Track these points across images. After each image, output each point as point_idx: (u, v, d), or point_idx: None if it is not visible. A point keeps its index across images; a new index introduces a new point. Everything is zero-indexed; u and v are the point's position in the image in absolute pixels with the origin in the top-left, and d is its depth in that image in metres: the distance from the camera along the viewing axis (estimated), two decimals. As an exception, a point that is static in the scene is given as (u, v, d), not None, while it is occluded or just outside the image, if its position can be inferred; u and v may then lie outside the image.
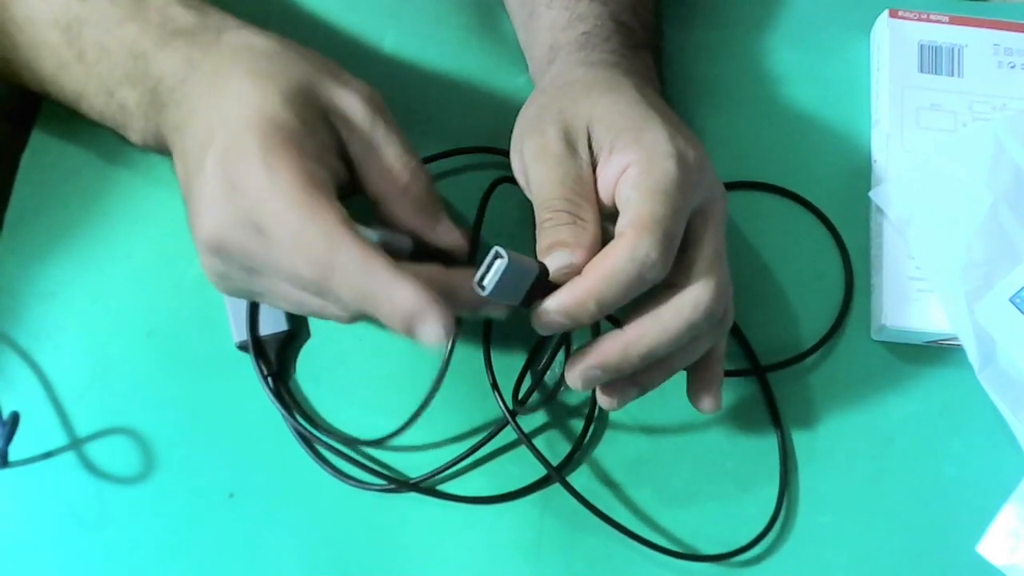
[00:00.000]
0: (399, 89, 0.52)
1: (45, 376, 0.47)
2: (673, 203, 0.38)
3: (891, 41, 0.55)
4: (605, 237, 0.40)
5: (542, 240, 0.39)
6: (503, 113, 0.47)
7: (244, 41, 0.41)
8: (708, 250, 0.40)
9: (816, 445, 0.49)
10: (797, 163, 0.54)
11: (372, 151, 0.40)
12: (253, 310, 0.48)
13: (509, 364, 0.47)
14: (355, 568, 0.46)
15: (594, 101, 0.42)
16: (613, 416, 0.49)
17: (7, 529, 0.45)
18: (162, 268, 0.49)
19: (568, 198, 0.40)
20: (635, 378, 0.42)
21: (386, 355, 0.49)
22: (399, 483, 0.46)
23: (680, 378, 0.44)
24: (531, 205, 0.41)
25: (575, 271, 0.39)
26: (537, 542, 0.47)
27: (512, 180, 0.45)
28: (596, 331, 0.45)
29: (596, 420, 0.48)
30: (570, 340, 0.47)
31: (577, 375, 0.40)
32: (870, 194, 0.53)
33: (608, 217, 0.40)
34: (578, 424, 0.48)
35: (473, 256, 0.44)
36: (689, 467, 0.48)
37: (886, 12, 0.55)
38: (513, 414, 0.45)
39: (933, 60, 0.54)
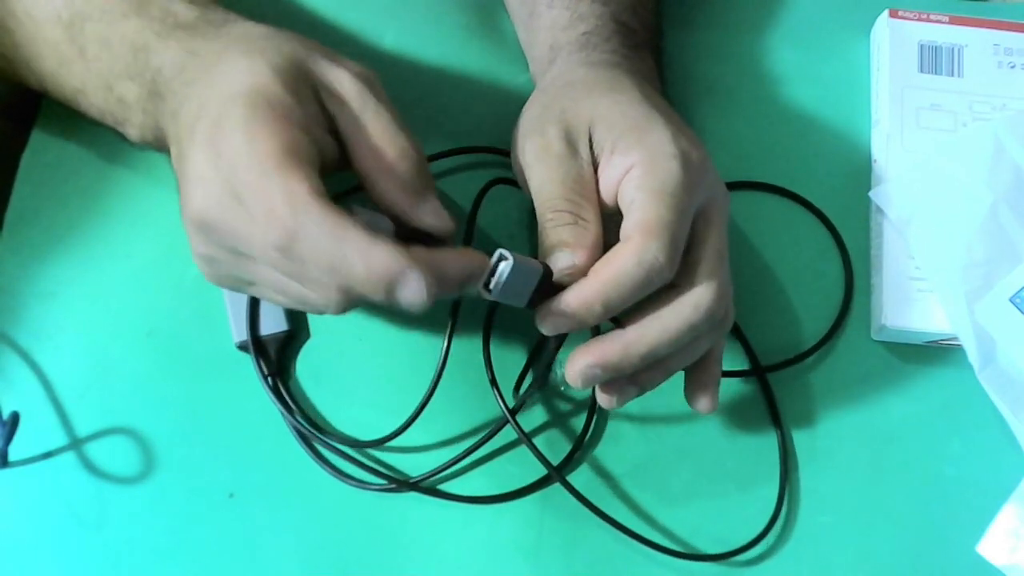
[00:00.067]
0: (399, 89, 0.51)
1: (45, 376, 0.47)
2: (678, 205, 0.38)
3: (891, 41, 0.55)
4: (606, 237, 0.40)
5: (544, 240, 0.40)
6: (503, 113, 0.47)
7: (243, 30, 0.41)
8: (710, 251, 0.40)
9: (816, 445, 0.49)
10: (797, 163, 0.54)
11: (360, 127, 0.39)
12: (253, 310, 0.48)
13: (509, 364, 0.47)
14: (355, 568, 0.46)
15: (596, 101, 0.42)
16: (613, 416, 0.49)
17: (7, 529, 0.45)
18: (162, 268, 0.49)
19: (569, 198, 0.40)
20: (635, 377, 0.42)
21: (386, 355, 0.49)
22: (399, 483, 0.46)
23: (680, 377, 0.44)
24: (531, 205, 0.41)
25: (579, 272, 0.39)
26: (537, 542, 0.47)
27: (507, 181, 0.45)
28: (596, 330, 0.45)
29: (596, 420, 0.48)
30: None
31: (577, 373, 0.40)
32: (870, 194, 0.53)
33: (609, 217, 0.40)
34: (578, 424, 0.48)
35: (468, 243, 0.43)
36: (689, 467, 0.48)
37: (886, 12, 0.55)
38: (513, 413, 0.45)
39: (933, 60, 0.54)
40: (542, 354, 0.46)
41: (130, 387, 0.47)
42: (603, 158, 0.41)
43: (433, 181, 0.41)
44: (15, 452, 0.44)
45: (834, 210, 0.53)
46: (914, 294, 0.50)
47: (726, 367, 0.47)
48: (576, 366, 0.40)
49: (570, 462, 0.48)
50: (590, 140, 0.41)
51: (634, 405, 0.43)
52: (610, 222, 0.40)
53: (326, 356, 0.49)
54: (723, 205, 0.42)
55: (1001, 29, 0.55)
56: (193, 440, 0.47)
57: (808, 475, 0.49)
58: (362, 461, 0.47)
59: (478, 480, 0.47)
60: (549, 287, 0.39)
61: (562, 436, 0.48)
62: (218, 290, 0.48)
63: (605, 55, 0.46)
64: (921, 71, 0.54)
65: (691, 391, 0.44)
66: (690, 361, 0.42)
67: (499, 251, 0.37)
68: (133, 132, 0.44)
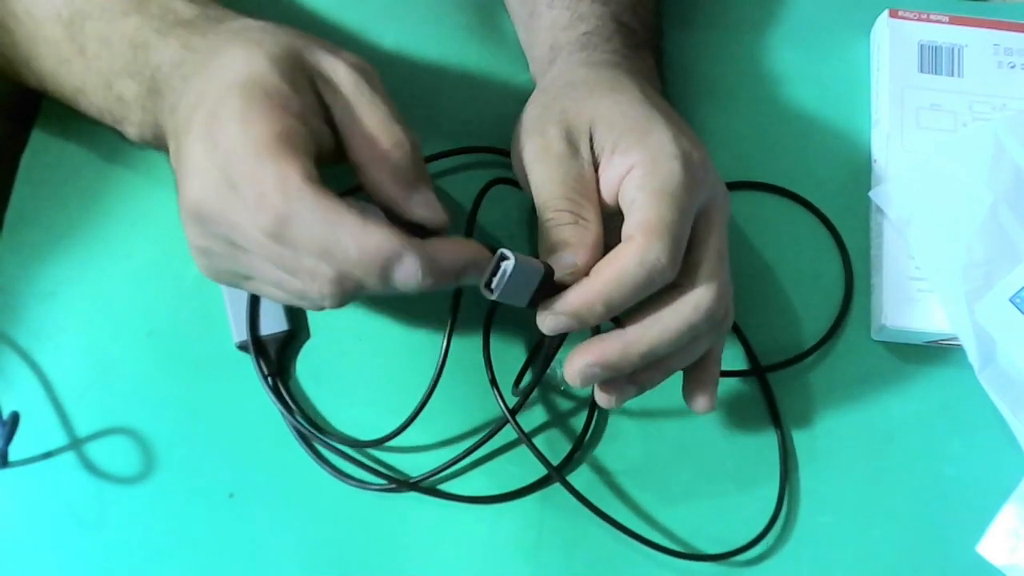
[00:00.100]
0: (399, 89, 0.52)
1: (45, 376, 0.47)
2: (680, 205, 0.39)
3: (891, 41, 0.55)
4: (606, 237, 0.40)
5: (544, 240, 0.40)
6: (503, 113, 0.47)
7: (241, 24, 0.41)
8: (711, 251, 0.40)
9: (816, 445, 0.49)
10: (797, 163, 0.54)
11: (355, 117, 0.39)
12: (253, 309, 0.48)
13: (509, 364, 0.47)
14: (355, 568, 0.46)
15: (596, 101, 0.42)
16: (613, 415, 0.49)
17: (7, 529, 0.45)
18: (162, 268, 0.49)
19: (570, 198, 0.40)
20: (634, 377, 0.42)
21: (386, 355, 0.49)
22: (399, 483, 0.46)
23: (680, 377, 0.44)
24: (531, 205, 0.41)
25: (580, 272, 0.39)
26: (537, 542, 0.47)
27: (507, 181, 0.45)
28: (596, 329, 0.45)
29: (596, 420, 0.48)
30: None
31: (576, 372, 0.40)
32: (870, 194, 0.53)
33: (609, 217, 0.40)
34: (578, 423, 0.48)
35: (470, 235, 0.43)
36: (689, 467, 0.48)
37: (886, 12, 0.55)
38: (513, 413, 0.45)
39: (933, 60, 0.54)
40: (542, 353, 0.46)
41: (130, 387, 0.47)
42: (604, 158, 0.41)
43: (428, 174, 0.41)
44: (15, 452, 0.44)
45: (834, 210, 0.53)
46: (914, 294, 0.50)
47: (726, 367, 0.47)
48: (575, 365, 0.40)
49: (570, 462, 0.48)
50: (591, 140, 0.41)
51: (634, 405, 0.43)
52: (611, 222, 0.40)
53: (326, 356, 0.49)
54: (724, 205, 0.42)
55: (1001, 29, 0.55)
56: (193, 440, 0.47)
57: (808, 475, 0.49)
58: (362, 461, 0.47)
59: (478, 480, 0.47)
60: (550, 287, 0.39)
61: (562, 436, 0.48)
62: (218, 290, 0.48)
63: (606, 55, 0.46)
64: (921, 71, 0.54)
65: (689, 390, 0.44)
66: (690, 361, 0.42)
67: (501, 250, 0.37)
68: (132, 130, 0.44)
